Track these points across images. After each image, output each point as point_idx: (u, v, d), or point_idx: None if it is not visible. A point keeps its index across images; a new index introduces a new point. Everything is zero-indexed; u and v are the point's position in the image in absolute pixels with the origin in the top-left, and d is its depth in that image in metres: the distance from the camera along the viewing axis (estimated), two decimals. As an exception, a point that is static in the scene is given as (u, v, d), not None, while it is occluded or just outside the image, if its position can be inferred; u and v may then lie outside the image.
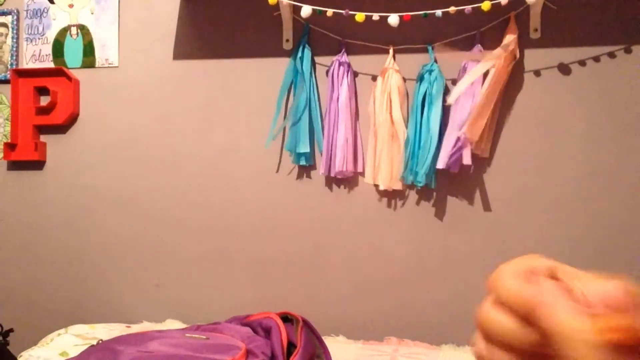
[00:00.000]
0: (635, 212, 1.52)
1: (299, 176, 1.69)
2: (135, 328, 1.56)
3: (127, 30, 1.82)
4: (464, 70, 1.55)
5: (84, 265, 1.81)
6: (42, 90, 1.83)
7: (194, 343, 1.07)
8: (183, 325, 1.56)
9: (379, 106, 1.59)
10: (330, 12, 1.52)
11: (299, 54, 1.65)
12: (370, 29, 1.60)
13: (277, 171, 1.70)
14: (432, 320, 1.60)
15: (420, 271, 1.61)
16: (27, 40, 1.87)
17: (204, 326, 1.26)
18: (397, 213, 1.63)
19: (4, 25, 1.88)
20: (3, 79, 1.86)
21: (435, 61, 1.59)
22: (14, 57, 1.86)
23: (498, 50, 1.50)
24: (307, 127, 1.63)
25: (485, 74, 1.52)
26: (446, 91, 1.58)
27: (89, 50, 1.83)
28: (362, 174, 1.64)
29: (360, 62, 1.65)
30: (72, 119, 1.83)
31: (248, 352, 1.05)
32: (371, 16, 1.52)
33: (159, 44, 1.78)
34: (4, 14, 1.87)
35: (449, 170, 1.57)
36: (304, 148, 1.63)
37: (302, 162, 1.66)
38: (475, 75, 1.50)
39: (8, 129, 1.85)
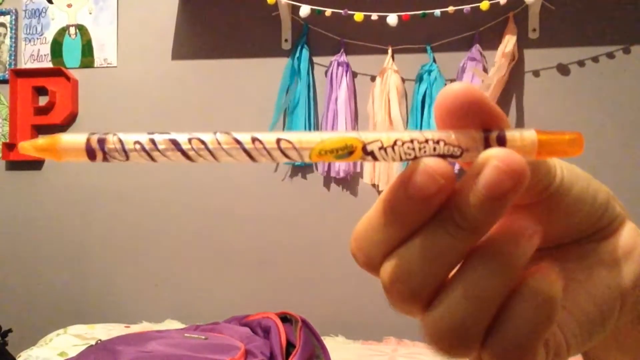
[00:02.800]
0: (635, 212, 1.52)
1: (298, 176, 1.69)
2: (135, 328, 1.56)
3: (126, 30, 1.81)
4: (462, 70, 1.56)
5: (83, 266, 1.81)
6: (41, 90, 1.83)
7: (193, 343, 1.07)
8: (182, 326, 1.56)
9: (378, 106, 1.59)
10: (328, 12, 1.52)
11: (297, 54, 1.65)
12: (369, 29, 1.60)
13: (276, 171, 1.70)
14: (431, 320, 1.60)
15: (419, 271, 1.61)
16: (25, 40, 1.86)
17: (203, 326, 1.26)
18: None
19: (3, 25, 1.87)
20: (1, 79, 1.86)
21: (434, 61, 1.59)
22: (13, 57, 1.86)
23: (500, 62, 1.50)
24: (303, 127, 1.63)
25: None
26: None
27: (87, 50, 1.83)
28: (361, 174, 1.64)
29: (359, 62, 1.65)
30: (71, 119, 1.83)
31: (247, 352, 1.06)
32: (370, 16, 1.52)
33: (157, 44, 1.78)
34: (2, 13, 1.87)
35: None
36: None
37: (299, 162, 1.66)
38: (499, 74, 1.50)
39: (6, 128, 1.85)
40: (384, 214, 0.20)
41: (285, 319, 1.22)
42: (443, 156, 0.20)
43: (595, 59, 1.55)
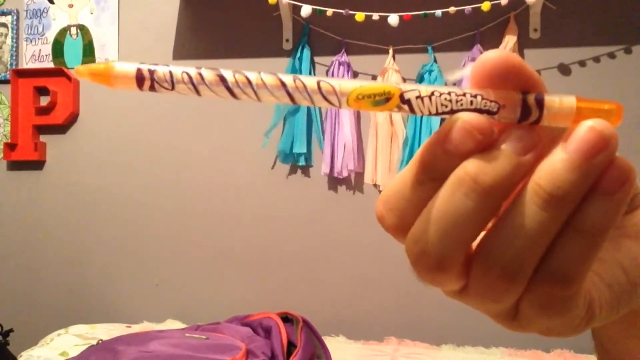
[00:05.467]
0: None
1: (299, 176, 1.69)
2: (136, 328, 1.56)
3: (127, 30, 1.81)
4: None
5: (83, 265, 1.81)
6: (42, 90, 1.83)
7: (194, 343, 1.07)
8: (183, 325, 1.56)
9: (379, 106, 1.59)
10: (330, 12, 1.52)
11: (298, 54, 1.65)
12: (370, 29, 1.60)
13: (273, 168, 1.70)
14: (432, 320, 1.60)
15: (420, 271, 1.60)
16: (27, 40, 1.87)
17: (204, 326, 1.26)
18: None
19: (4, 25, 1.87)
20: (3, 79, 1.86)
21: (435, 61, 1.59)
22: (14, 57, 1.86)
23: None
24: (304, 127, 1.63)
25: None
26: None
27: (88, 50, 1.83)
28: (363, 173, 1.64)
29: (360, 62, 1.65)
30: (72, 119, 1.83)
31: (248, 352, 1.06)
32: (371, 16, 1.52)
33: (158, 44, 1.78)
34: (3, 14, 1.87)
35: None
36: (301, 148, 1.63)
37: (301, 163, 1.66)
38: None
39: (8, 129, 1.85)
40: (420, 170, 0.20)
41: (286, 319, 1.22)
42: (480, 111, 0.20)
43: (596, 59, 1.55)
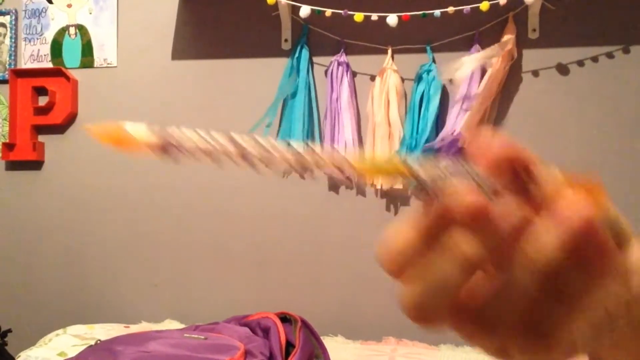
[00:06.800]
0: (635, 212, 1.52)
1: (298, 176, 1.69)
2: (134, 328, 1.56)
3: (126, 30, 1.81)
4: (462, 70, 1.56)
5: (82, 266, 1.81)
6: (41, 90, 1.83)
7: (193, 343, 1.07)
8: (182, 326, 1.56)
9: (377, 106, 1.59)
10: (329, 12, 1.52)
11: (297, 54, 1.65)
12: (369, 29, 1.60)
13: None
14: (430, 320, 1.60)
15: (419, 271, 1.61)
16: (25, 40, 1.86)
17: (202, 326, 1.26)
18: (397, 212, 1.63)
19: (2, 25, 1.87)
20: (1, 79, 1.86)
21: (434, 61, 1.59)
22: (12, 57, 1.86)
23: (495, 47, 1.50)
24: (302, 127, 1.63)
25: (482, 75, 1.52)
26: (444, 91, 1.58)
27: (87, 50, 1.83)
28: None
29: (358, 62, 1.65)
30: (71, 119, 1.83)
31: (246, 352, 1.06)
32: (370, 16, 1.52)
33: (157, 44, 1.78)
34: (2, 14, 1.87)
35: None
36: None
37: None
38: (480, 58, 1.50)
39: (6, 129, 1.85)
40: (422, 232, 0.23)
41: (284, 319, 1.22)
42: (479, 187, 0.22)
43: (594, 59, 1.55)
